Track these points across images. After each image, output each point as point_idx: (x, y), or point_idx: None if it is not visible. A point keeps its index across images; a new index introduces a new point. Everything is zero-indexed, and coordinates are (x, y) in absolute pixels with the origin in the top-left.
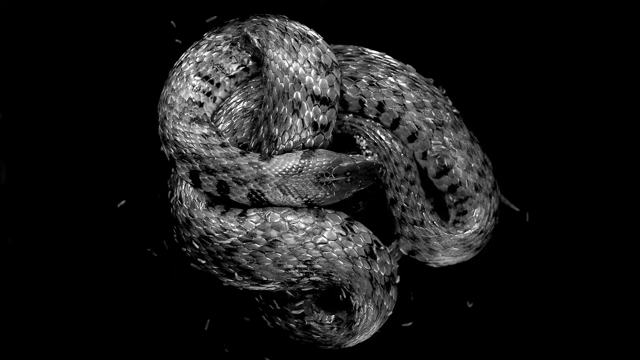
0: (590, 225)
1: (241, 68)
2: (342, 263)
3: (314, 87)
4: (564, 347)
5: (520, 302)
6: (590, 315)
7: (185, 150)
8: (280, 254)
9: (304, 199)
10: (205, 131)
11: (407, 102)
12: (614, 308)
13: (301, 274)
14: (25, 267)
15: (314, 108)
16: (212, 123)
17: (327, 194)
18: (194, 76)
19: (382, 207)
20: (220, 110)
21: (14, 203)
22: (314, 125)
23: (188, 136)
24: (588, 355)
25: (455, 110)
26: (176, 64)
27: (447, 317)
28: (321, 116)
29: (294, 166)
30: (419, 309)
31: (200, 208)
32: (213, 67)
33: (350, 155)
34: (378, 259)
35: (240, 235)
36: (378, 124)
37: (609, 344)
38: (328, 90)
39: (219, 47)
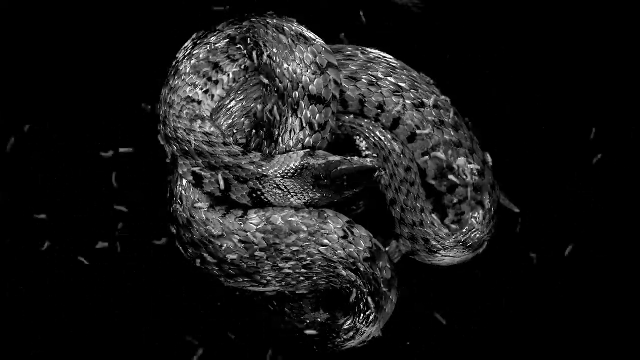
0: (590, 225)
1: (239, 67)
2: (342, 266)
3: (310, 87)
4: (564, 347)
5: (519, 302)
6: (589, 315)
7: (188, 147)
8: (280, 257)
9: (303, 200)
10: (207, 129)
11: (408, 102)
12: (613, 308)
13: (301, 277)
14: (24, 267)
15: (310, 108)
16: (214, 122)
17: (325, 195)
18: (192, 75)
19: (382, 208)
20: (220, 109)
21: (14, 203)
22: (311, 125)
23: (190, 133)
24: (588, 355)
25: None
26: (174, 62)
27: (447, 317)
28: (317, 115)
29: (294, 167)
30: (419, 309)
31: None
32: (211, 66)
33: (349, 158)
34: (378, 262)
35: (241, 237)
36: (378, 124)
37: (609, 344)
38: (323, 90)
39: (217, 46)
